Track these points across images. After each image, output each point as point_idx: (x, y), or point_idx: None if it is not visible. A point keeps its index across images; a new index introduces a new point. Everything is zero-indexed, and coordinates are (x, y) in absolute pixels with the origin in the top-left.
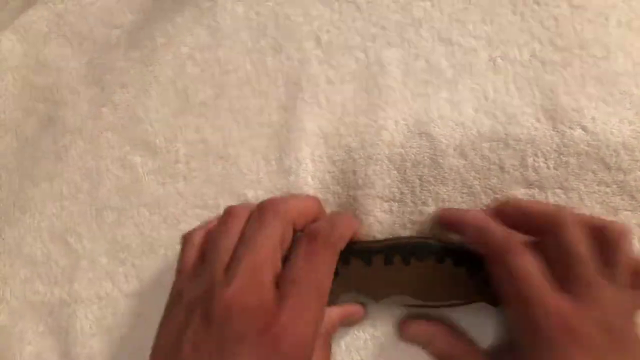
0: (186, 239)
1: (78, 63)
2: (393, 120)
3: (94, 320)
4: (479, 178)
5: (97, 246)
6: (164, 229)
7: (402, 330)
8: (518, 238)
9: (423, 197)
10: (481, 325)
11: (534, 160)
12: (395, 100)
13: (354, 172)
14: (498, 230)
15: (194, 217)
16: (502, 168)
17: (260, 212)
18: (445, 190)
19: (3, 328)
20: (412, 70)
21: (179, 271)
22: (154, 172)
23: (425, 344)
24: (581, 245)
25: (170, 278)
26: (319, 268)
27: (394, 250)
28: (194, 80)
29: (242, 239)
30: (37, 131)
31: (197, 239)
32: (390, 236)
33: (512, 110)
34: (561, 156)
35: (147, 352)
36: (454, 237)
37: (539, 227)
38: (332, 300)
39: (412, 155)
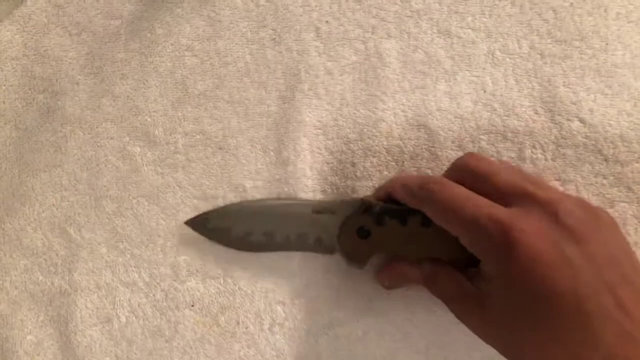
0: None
1: (77, 54)
2: (392, 112)
3: (93, 309)
4: None
5: (97, 236)
6: (162, 219)
7: (383, 275)
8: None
9: None
10: None
11: (531, 152)
12: (393, 91)
13: (353, 164)
14: (413, 177)
15: (192, 208)
16: (500, 160)
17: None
18: None
19: (3, 317)
20: (411, 62)
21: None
22: (153, 162)
23: (406, 280)
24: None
25: (169, 269)
26: None
27: None
28: (193, 71)
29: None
30: (36, 121)
31: None
32: None
33: (511, 102)
34: (559, 148)
35: (147, 342)
36: None
37: (458, 176)
38: (363, 263)
39: (411, 147)
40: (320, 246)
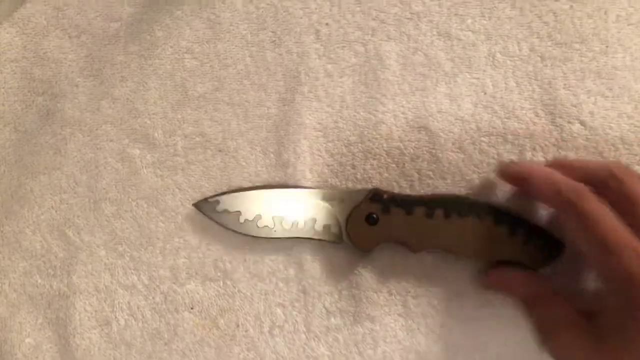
0: None
1: (77, 56)
2: (392, 114)
3: (92, 312)
4: (478, 172)
5: (96, 239)
6: (161, 221)
7: (490, 279)
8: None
9: (422, 191)
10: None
11: (532, 154)
12: (394, 94)
13: (353, 166)
14: (565, 179)
15: (192, 210)
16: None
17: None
18: (443, 185)
19: (2, 320)
20: (411, 64)
21: None
22: (152, 164)
23: (510, 290)
24: None
25: (167, 271)
26: None
27: (436, 204)
28: (192, 73)
29: None
30: (36, 124)
31: None
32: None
33: (511, 104)
34: (560, 150)
35: (146, 345)
36: (495, 198)
37: (599, 181)
38: (369, 248)
39: (411, 150)
40: (327, 233)
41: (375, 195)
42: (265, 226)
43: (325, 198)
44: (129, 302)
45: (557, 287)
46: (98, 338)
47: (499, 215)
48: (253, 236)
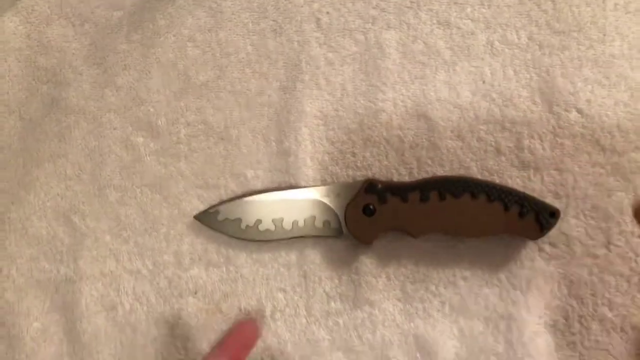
0: None
1: (80, 44)
2: (392, 102)
3: (98, 297)
4: (476, 160)
5: (101, 225)
6: (165, 207)
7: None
8: None
9: (421, 178)
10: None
11: (529, 142)
12: (393, 82)
13: (353, 154)
14: None
15: (195, 197)
16: (498, 150)
17: None
18: (442, 172)
19: (10, 305)
20: (411, 53)
21: None
22: (155, 152)
23: None
24: None
25: (172, 257)
26: None
27: (430, 187)
28: (195, 61)
29: None
30: (40, 112)
31: None
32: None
33: (509, 92)
34: (557, 138)
35: (151, 329)
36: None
37: None
38: (370, 240)
39: (410, 137)
40: (328, 229)
41: (370, 186)
42: (266, 229)
43: (322, 194)
44: (134, 287)
45: None
46: (104, 322)
47: (492, 191)
48: (256, 240)
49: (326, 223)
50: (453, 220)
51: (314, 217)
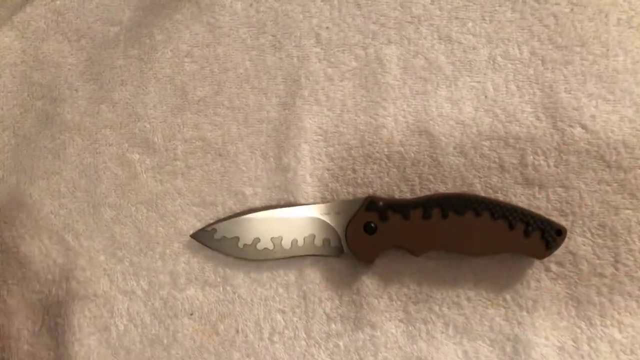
0: None
1: (76, 60)
2: (392, 118)
3: (91, 318)
4: (479, 177)
5: (95, 243)
6: (161, 226)
7: None
8: None
9: (423, 195)
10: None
11: (534, 158)
12: (394, 97)
13: (353, 170)
14: None
15: (192, 215)
16: (502, 166)
17: None
18: (444, 189)
19: (0, 327)
20: (412, 68)
21: None
22: (152, 169)
23: None
24: None
25: (167, 277)
26: None
27: (433, 204)
28: (192, 77)
29: None
30: (35, 128)
31: None
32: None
33: (512, 108)
34: (561, 154)
35: (145, 351)
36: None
37: None
38: (372, 258)
39: (412, 154)
40: (327, 247)
41: (371, 204)
42: (264, 248)
43: (322, 212)
44: (128, 308)
45: None
46: (97, 344)
47: (496, 209)
48: (254, 260)
49: (326, 241)
50: (456, 238)
51: (313, 236)
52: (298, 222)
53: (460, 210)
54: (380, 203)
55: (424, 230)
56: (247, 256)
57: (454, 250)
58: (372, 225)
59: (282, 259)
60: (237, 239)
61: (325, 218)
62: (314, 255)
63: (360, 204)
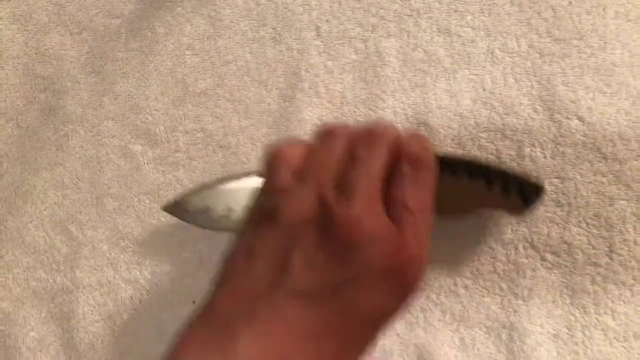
0: (275, 155)
1: (78, 52)
2: (392, 110)
3: (95, 306)
4: None
5: (98, 234)
6: (163, 216)
7: None
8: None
9: None
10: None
11: (531, 150)
12: (393, 90)
13: None
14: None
15: None
16: (499, 158)
17: (371, 134)
18: None
19: (6, 314)
20: (411, 61)
21: (270, 189)
22: (154, 160)
23: None
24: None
25: (170, 265)
26: (429, 195)
27: None
28: (193, 69)
29: (354, 159)
30: (38, 120)
31: (291, 158)
32: None
33: (510, 100)
34: (558, 146)
35: (149, 339)
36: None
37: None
38: None
39: None
40: None
41: None
42: (239, 219)
43: None
44: (131, 297)
45: None
46: (101, 331)
47: (474, 168)
48: (230, 231)
49: None
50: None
51: None
52: None
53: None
54: None
55: None
56: (221, 227)
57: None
58: None
59: None
60: (211, 210)
61: None
62: None
63: None
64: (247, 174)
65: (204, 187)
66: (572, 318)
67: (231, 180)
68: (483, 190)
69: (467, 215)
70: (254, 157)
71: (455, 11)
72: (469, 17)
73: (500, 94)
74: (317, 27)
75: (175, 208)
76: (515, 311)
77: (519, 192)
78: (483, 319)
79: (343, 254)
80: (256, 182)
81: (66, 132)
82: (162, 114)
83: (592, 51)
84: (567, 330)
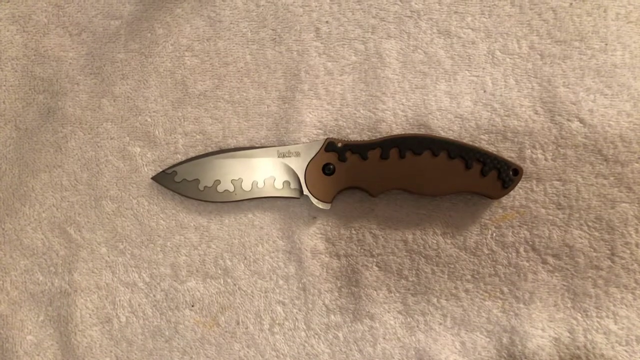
0: None
1: (77, 54)
2: (392, 112)
3: (93, 309)
4: None
5: (97, 236)
6: (162, 219)
7: None
8: None
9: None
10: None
11: (531, 152)
12: (393, 91)
13: None
14: None
15: (193, 209)
16: None
17: None
18: None
19: (3, 318)
20: (411, 62)
21: None
22: (153, 162)
23: None
24: None
25: (167, 268)
26: None
27: (390, 145)
28: (193, 71)
29: None
30: (36, 122)
31: None
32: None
33: (510, 102)
34: (559, 148)
35: (146, 342)
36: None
37: None
38: (329, 199)
39: None
40: (288, 189)
41: (330, 145)
42: (225, 190)
43: (282, 154)
44: (129, 300)
45: None
46: (99, 335)
47: (453, 148)
48: (215, 202)
49: (286, 183)
50: (413, 178)
51: (273, 178)
52: (258, 164)
53: (417, 151)
54: (339, 144)
55: (381, 170)
56: (207, 198)
57: (411, 190)
58: (331, 166)
59: (242, 200)
60: (198, 181)
61: (285, 160)
62: (274, 197)
63: (319, 146)
64: (235, 149)
65: (193, 159)
66: (574, 322)
67: (219, 153)
68: (461, 171)
69: (446, 198)
70: None
71: (456, 12)
72: (469, 19)
73: (500, 95)
74: (317, 29)
75: (164, 178)
76: (516, 315)
77: (497, 174)
78: (484, 323)
79: None
80: (243, 155)
81: (65, 133)
82: (162, 116)
83: (593, 53)
84: (568, 334)
